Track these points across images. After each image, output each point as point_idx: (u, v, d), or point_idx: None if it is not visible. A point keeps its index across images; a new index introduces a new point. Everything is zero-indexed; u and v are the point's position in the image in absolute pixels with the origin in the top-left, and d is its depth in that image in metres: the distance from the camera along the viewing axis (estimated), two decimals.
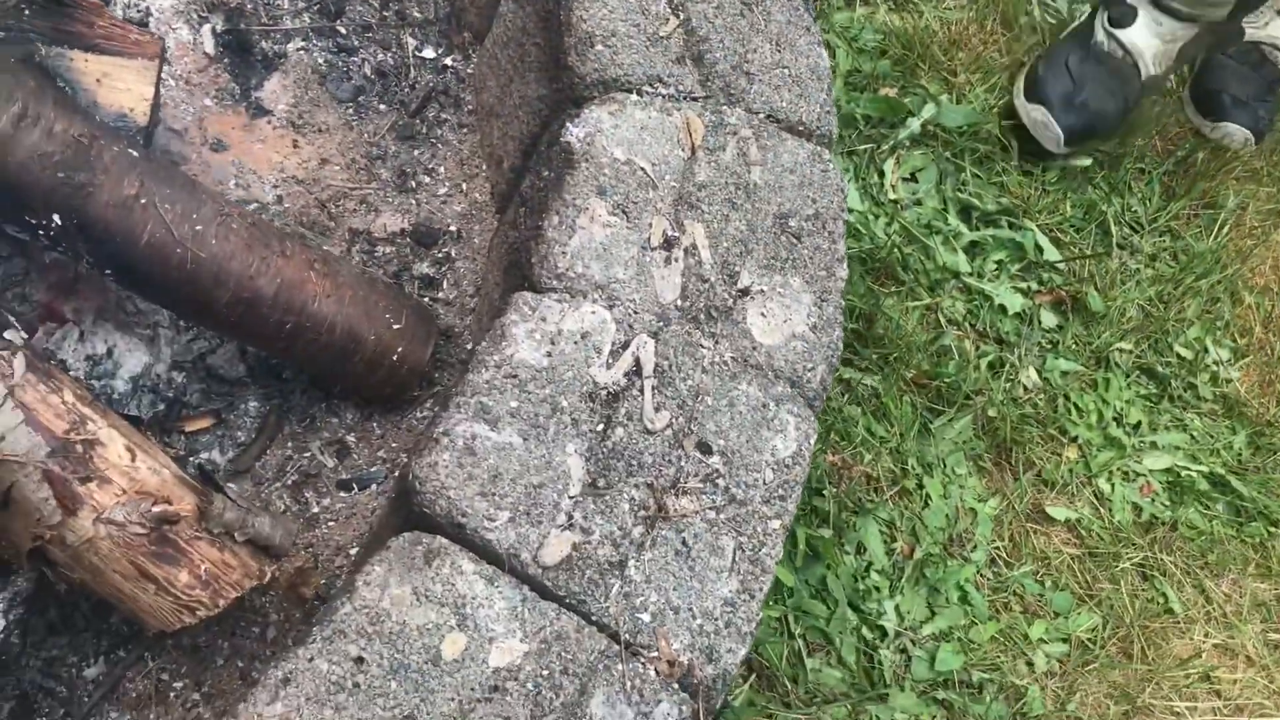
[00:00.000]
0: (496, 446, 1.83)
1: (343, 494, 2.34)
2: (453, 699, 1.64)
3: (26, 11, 2.13)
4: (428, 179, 2.72)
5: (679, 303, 2.07)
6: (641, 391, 1.95)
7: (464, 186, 2.72)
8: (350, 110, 2.74)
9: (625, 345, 1.99)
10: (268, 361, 2.43)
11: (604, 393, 1.94)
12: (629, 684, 1.73)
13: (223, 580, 1.91)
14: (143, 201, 2.00)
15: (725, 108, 2.30)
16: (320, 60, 2.76)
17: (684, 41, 2.33)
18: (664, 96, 2.27)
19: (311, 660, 1.62)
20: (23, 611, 1.95)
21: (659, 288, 2.07)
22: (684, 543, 1.86)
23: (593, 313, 2.00)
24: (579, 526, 1.81)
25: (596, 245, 2.07)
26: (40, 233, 1.96)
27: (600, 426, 1.91)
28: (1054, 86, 3.07)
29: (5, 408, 1.79)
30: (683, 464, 1.92)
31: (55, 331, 2.16)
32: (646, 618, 1.79)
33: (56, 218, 1.94)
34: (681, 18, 2.35)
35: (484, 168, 2.74)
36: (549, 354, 1.94)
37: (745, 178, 2.22)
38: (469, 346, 2.51)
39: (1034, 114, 3.11)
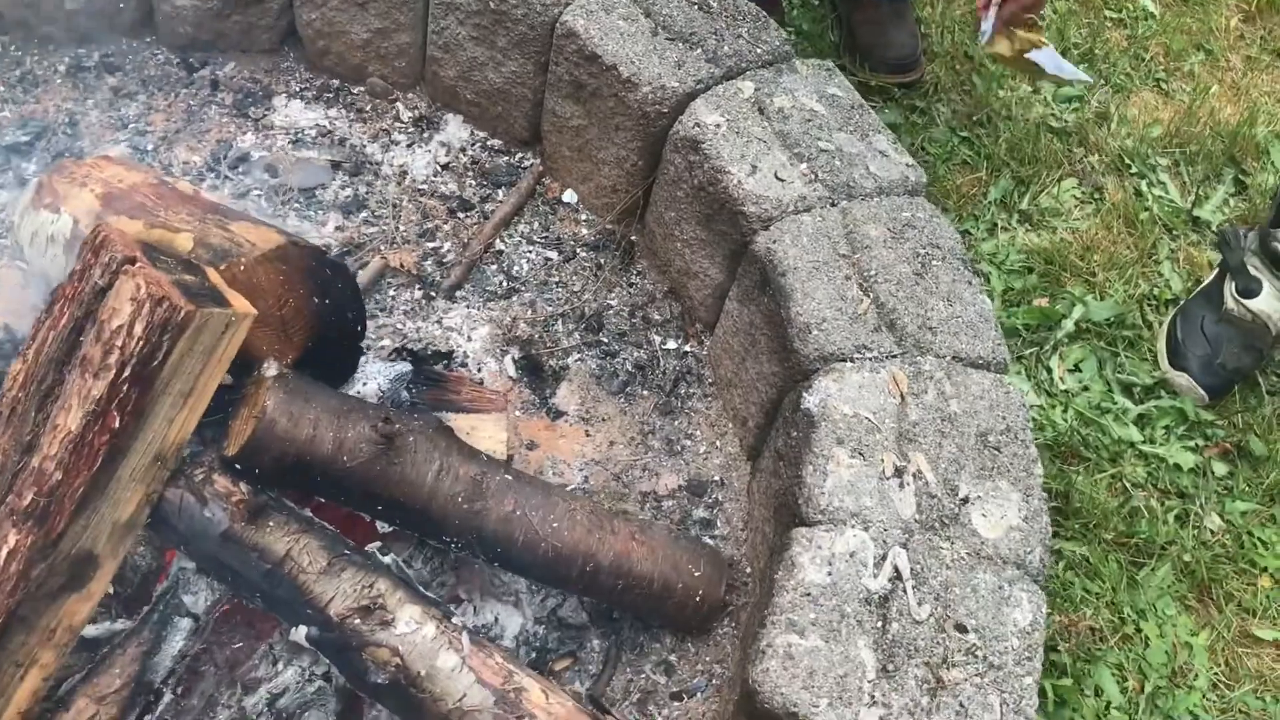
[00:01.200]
0: (807, 650, 2.50)
1: (676, 703, 3.02)
2: None
3: (413, 389, 3.01)
4: (689, 442, 3.48)
5: (916, 517, 2.72)
6: (905, 591, 2.59)
7: (718, 443, 3.47)
8: (622, 400, 3.55)
9: (884, 557, 2.64)
10: (600, 607, 3.16)
11: (876, 596, 2.59)
12: None
13: None
14: (518, 514, 2.80)
15: (919, 358, 2.99)
16: (593, 365, 3.59)
17: (877, 314, 3.06)
18: (871, 359, 2.98)
19: None
20: None
21: (899, 508, 2.73)
22: (961, 705, 2.46)
23: (854, 535, 2.67)
24: (880, 703, 2.43)
25: (845, 483, 2.76)
26: (451, 544, 2.78)
27: (879, 623, 2.55)
28: (1193, 352, 3.47)
29: (462, 673, 2.56)
30: (948, 643, 2.53)
31: (458, 608, 2.96)
32: None
33: (462, 536, 2.75)
34: (872, 297, 3.09)
35: (730, 426, 3.48)
36: (829, 573, 2.61)
37: (947, 410, 2.90)
38: (747, 570, 3.20)
39: (1178, 380, 3.51)
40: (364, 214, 3.83)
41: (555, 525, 2.84)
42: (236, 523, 2.51)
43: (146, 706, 2.67)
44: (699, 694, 3.02)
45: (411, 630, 2.56)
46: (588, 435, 3.46)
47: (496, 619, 2.99)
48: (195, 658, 2.72)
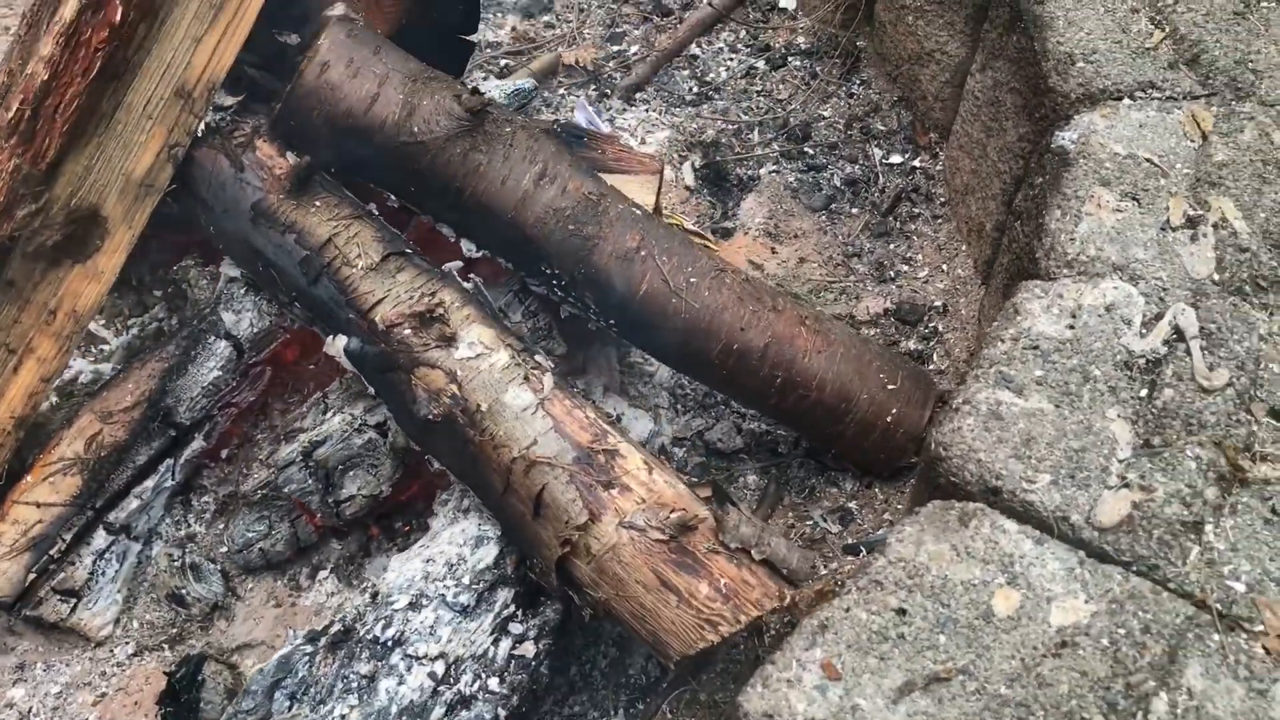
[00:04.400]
0: (1025, 412, 1.66)
1: (850, 558, 2.20)
2: (1012, 656, 1.40)
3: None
4: (905, 267, 2.68)
5: (1214, 276, 1.83)
6: (1189, 354, 1.71)
7: (944, 267, 2.65)
8: (823, 217, 2.80)
9: (1158, 316, 1.77)
10: (763, 438, 2.41)
11: (1141, 360, 1.71)
12: (1231, 658, 1.40)
13: (742, 597, 1.81)
14: (642, 254, 2.11)
15: (1233, 102, 2.10)
16: (791, 179, 2.88)
17: (1173, 49, 2.19)
18: (1160, 99, 2.12)
19: (849, 610, 1.46)
20: (550, 642, 1.95)
21: (1188, 264, 1.85)
22: (1273, 510, 1.54)
23: (1115, 288, 1.81)
24: (1136, 485, 1.56)
25: (1108, 230, 1.90)
26: (554, 284, 2.12)
27: (1143, 391, 1.67)
28: None
29: (536, 416, 1.88)
30: (1253, 428, 1.62)
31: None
32: (1240, 587, 1.47)
33: (566, 270, 2.09)
34: (1168, 29, 2.22)
35: (963, 247, 2.66)
36: (1070, 327, 1.76)
37: (1273, 153, 1.99)
38: None
39: None
40: (547, 17, 3.31)
41: (693, 281, 2.13)
42: (273, 194, 1.97)
43: (170, 444, 2.15)
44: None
45: (476, 355, 1.91)
46: (773, 251, 2.74)
47: (620, 418, 2.30)
48: (232, 394, 2.19)
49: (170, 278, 2.34)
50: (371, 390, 2.01)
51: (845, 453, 2.30)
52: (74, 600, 2.07)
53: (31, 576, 2.03)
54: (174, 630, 2.14)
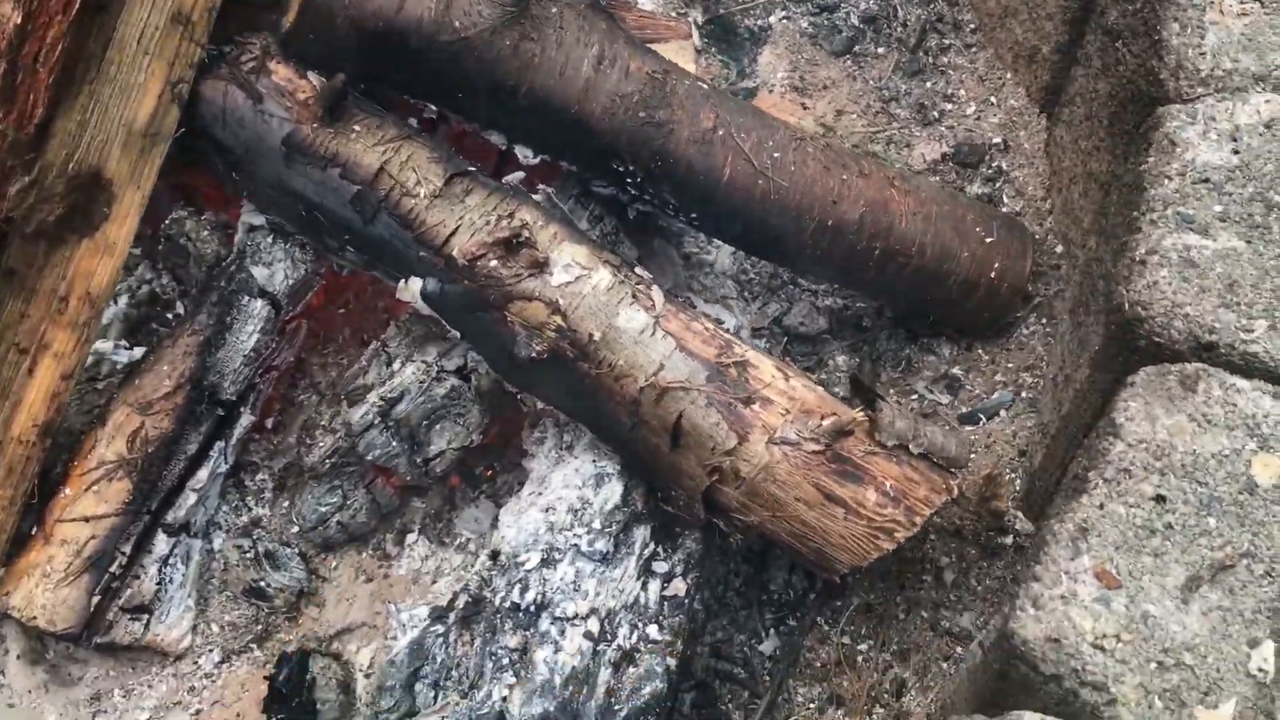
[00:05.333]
0: (1218, 254, 1.50)
1: (969, 426, 2.07)
2: None
3: None
4: (950, 105, 2.49)
5: None
6: None
7: (992, 100, 2.46)
8: (848, 62, 2.58)
9: None
10: (843, 314, 2.23)
11: None
12: None
13: (912, 496, 1.66)
14: (720, 133, 1.88)
15: None
16: (805, 24, 2.63)
17: None
18: None
19: (1102, 506, 1.31)
20: (698, 575, 1.79)
21: None
22: None
23: (1267, 102, 1.65)
24: None
25: (1238, 38, 1.73)
26: (626, 182, 1.88)
27: None
28: None
29: (656, 337, 1.67)
30: None
31: None
32: None
33: (641, 164, 1.85)
34: None
35: (1009, 75, 2.47)
36: (1235, 152, 1.60)
37: None
38: (1057, 249, 2.20)
39: None
40: None
41: (777, 157, 1.91)
42: (305, 124, 1.68)
43: (217, 424, 1.89)
44: (1002, 411, 2.05)
45: (575, 278, 1.68)
46: (805, 108, 2.51)
47: None
48: (273, 357, 1.93)
49: (161, 234, 2.03)
50: (456, 334, 1.77)
51: (946, 317, 2.14)
52: (146, 616, 1.83)
53: (96, 599, 1.78)
54: (259, 627, 1.93)
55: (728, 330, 1.76)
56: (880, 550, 1.65)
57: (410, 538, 1.99)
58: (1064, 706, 1.22)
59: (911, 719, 1.75)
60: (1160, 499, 1.31)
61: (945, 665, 1.79)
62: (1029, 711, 1.20)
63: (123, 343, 2.08)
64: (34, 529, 1.81)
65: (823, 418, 1.67)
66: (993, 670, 1.31)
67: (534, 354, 1.66)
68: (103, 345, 2.04)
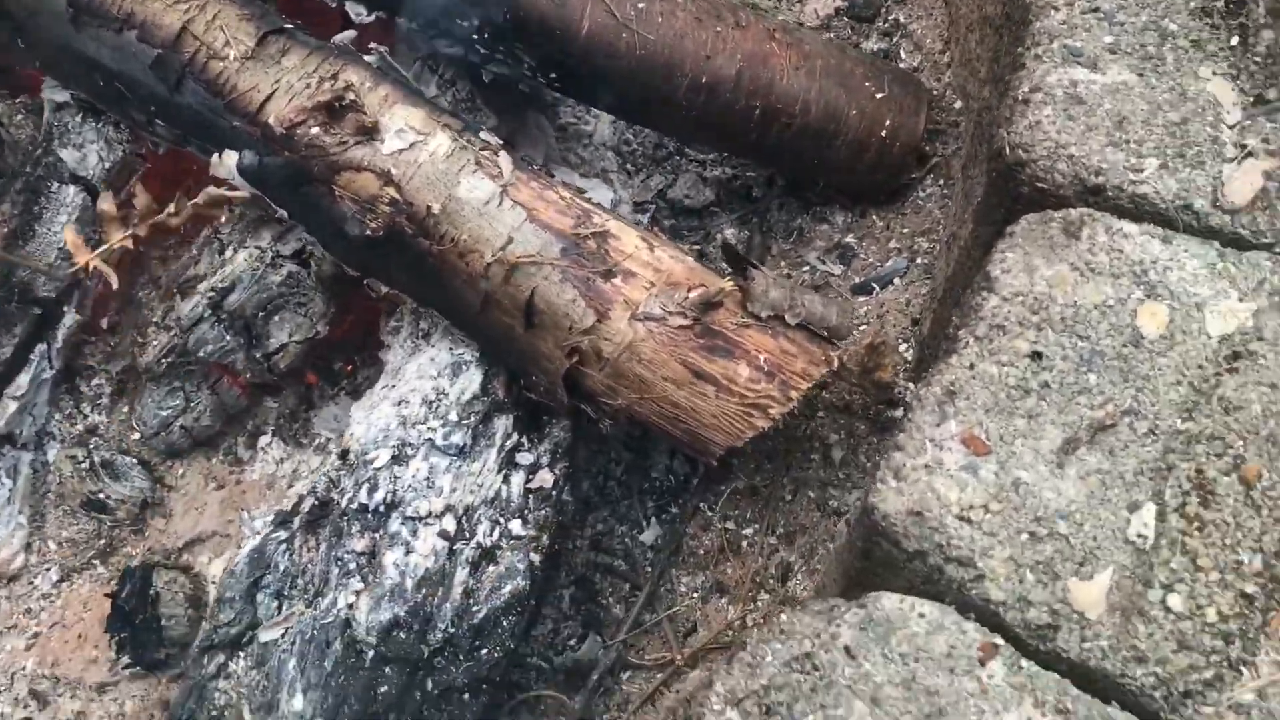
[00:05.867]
0: (1107, 89, 1.36)
1: (862, 297, 1.94)
2: (1178, 381, 1.17)
3: None
4: None
5: None
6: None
7: None
8: None
9: None
10: (731, 184, 2.08)
11: (1220, 3, 1.42)
12: None
13: (787, 370, 1.53)
14: None
15: None
16: None
17: None
18: None
19: (973, 367, 1.19)
20: (567, 465, 1.66)
21: None
22: None
23: None
24: (1262, 152, 1.30)
25: None
26: (474, 40, 1.70)
27: (1233, 39, 1.39)
28: None
29: (504, 207, 1.51)
30: None
31: None
32: None
33: (486, 17, 1.67)
34: None
35: None
36: None
37: None
38: (955, 104, 2.05)
39: None
40: None
41: (641, 7, 1.74)
42: None
43: (36, 325, 1.72)
44: (896, 279, 1.93)
45: (409, 144, 1.51)
46: None
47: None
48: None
49: None
50: (282, 213, 1.59)
51: (836, 182, 2.00)
52: None
53: None
54: (102, 542, 1.78)
55: (588, 199, 1.60)
56: (755, 429, 1.52)
57: (263, 440, 1.84)
58: (929, 585, 1.11)
59: (799, 605, 1.65)
60: (1036, 355, 1.19)
61: (832, 547, 1.69)
62: (888, 593, 1.09)
63: None
64: None
65: (690, 289, 1.53)
66: (857, 549, 1.20)
67: (367, 231, 1.50)
68: None
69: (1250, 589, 1.07)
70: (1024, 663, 1.06)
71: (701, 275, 1.57)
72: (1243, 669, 1.04)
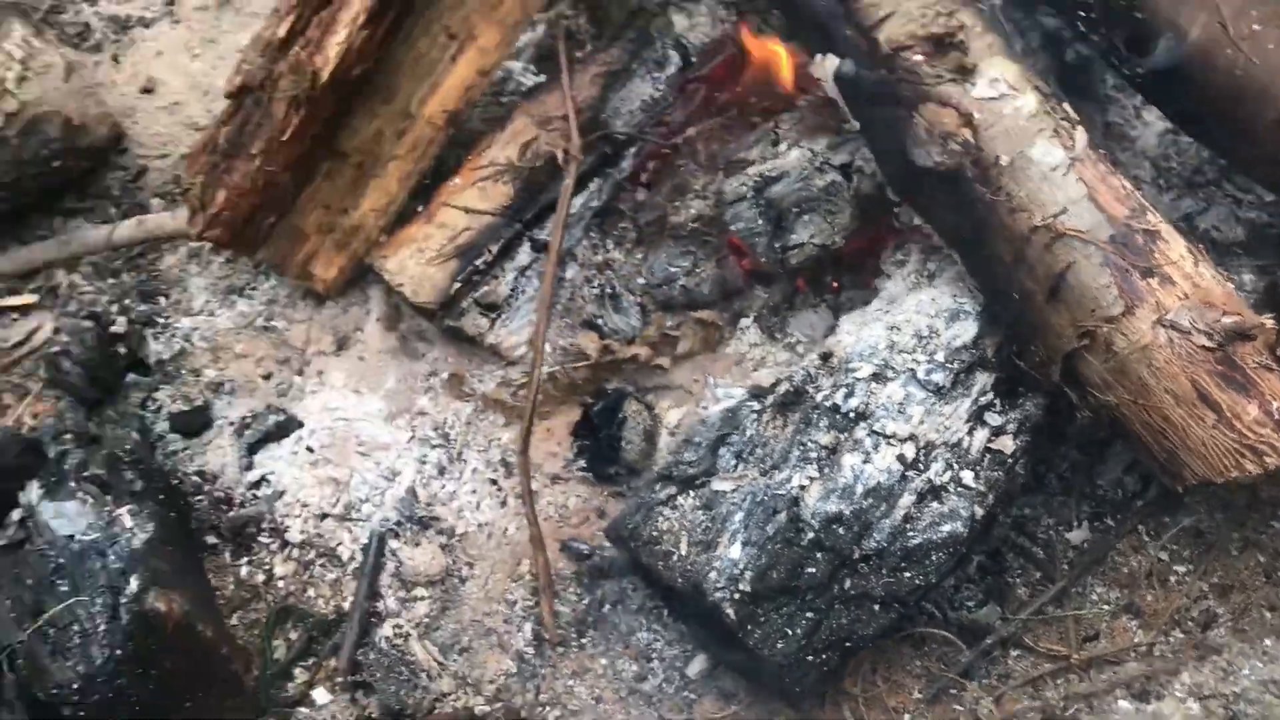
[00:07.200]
0: None
1: None
2: None
3: None
4: None
5: None
6: None
7: None
8: None
9: None
10: (1264, 230, 2.00)
11: None
12: None
13: None
14: None
15: None
16: None
17: None
18: None
19: None
20: (1029, 439, 1.70)
21: None
22: None
23: None
24: None
25: None
26: (1079, 14, 1.74)
27: None
28: None
29: (1068, 178, 1.55)
30: None
31: None
32: None
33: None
34: None
35: None
36: None
37: None
38: None
39: None
40: None
41: (1258, 29, 1.70)
42: None
43: (600, 161, 1.94)
44: None
45: (998, 95, 1.59)
46: None
47: None
48: (666, 112, 1.94)
49: None
50: (853, 125, 1.71)
51: None
52: (494, 315, 1.94)
53: (456, 285, 1.90)
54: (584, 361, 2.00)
55: (1145, 196, 1.61)
56: (1243, 471, 1.50)
57: (744, 322, 2.00)
58: None
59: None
60: None
61: (1269, 615, 1.63)
62: None
63: (530, 67, 2.17)
64: (420, 208, 1.95)
65: (1224, 314, 1.51)
66: None
67: (934, 163, 1.59)
68: (512, 64, 2.13)
69: None
70: None
71: (1238, 305, 1.55)
72: None
